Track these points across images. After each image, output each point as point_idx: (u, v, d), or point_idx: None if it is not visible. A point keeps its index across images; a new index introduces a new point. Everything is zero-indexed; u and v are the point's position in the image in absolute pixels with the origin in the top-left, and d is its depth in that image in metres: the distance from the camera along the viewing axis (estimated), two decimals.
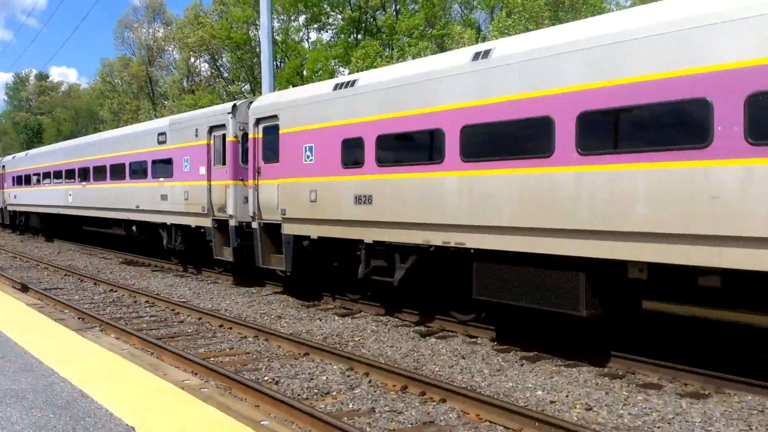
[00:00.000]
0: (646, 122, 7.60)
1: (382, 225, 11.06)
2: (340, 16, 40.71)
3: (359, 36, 39.80)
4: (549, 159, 8.40)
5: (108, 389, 5.96)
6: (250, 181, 14.48)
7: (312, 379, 8.09)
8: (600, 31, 8.10)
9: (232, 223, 15.52)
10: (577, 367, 8.50)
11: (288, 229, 13.36)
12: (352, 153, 11.64)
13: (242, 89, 45.47)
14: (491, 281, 9.33)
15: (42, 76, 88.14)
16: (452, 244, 9.81)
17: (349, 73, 33.33)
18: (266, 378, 8.13)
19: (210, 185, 16.47)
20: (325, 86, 12.97)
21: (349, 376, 8.23)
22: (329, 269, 13.28)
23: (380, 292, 12.66)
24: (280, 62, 41.53)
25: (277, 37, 39.04)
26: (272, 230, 14.03)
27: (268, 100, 14.67)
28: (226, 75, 49.29)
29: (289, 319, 11.91)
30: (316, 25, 43.42)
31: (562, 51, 8.37)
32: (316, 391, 7.61)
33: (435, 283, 11.36)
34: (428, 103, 10.14)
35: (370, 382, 7.95)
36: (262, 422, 5.30)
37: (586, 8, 26.87)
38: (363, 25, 39.80)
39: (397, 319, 11.70)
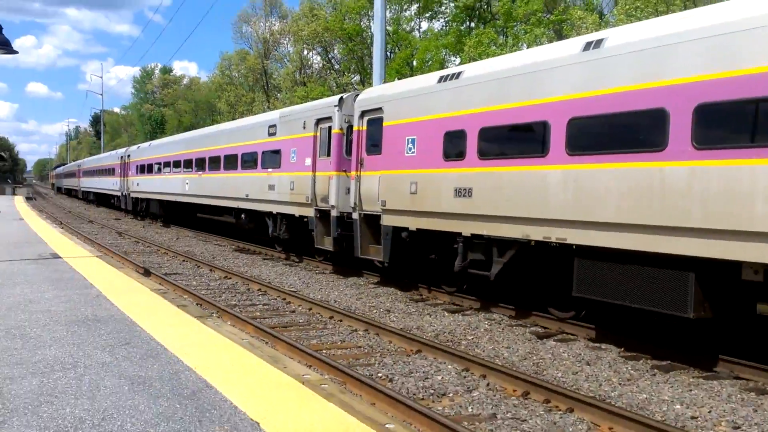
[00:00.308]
0: None
1: (481, 218, 10.92)
2: (453, 4, 40.15)
3: (472, 24, 39.08)
4: (662, 153, 7.94)
5: (231, 380, 5.96)
6: (353, 173, 14.74)
7: (427, 378, 7.85)
8: (720, 19, 7.53)
9: (333, 213, 15.77)
10: (718, 380, 7.76)
11: (387, 221, 13.48)
12: (453, 145, 11.57)
13: (352, 80, 45.94)
14: (593, 279, 8.97)
15: (166, 70, 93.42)
16: (553, 240, 9.49)
17: (460, 63, 32.75)
18: (380, 374, 7.97)
19: (314, 176, 16.77)
20: (429, 78, 12.95)
21: (465, 377, 7.92)
22: (425, 261, 13.28)
23: (476, 286, 12.43)
24: (390, 53, 41.60)
25: (388, 27, 39.10)
26: (372, 221, 14.21)
27: (374, 93, 14.82)
28: (337, 67, 50.01)
29: (399, 314, 11.75)
30: (427, 14, 43.15)
31: (678, 40, 7.88)
32: (432, 391, 7.36)
33: (532, 278, 11.09)
34: (534, 94, 9.85)
35: (488, 385, 7.60)
36: (386, 425, 5.09)
37: None
38: (477, 12, 39.06)
39: (509, 318, 11.26)
